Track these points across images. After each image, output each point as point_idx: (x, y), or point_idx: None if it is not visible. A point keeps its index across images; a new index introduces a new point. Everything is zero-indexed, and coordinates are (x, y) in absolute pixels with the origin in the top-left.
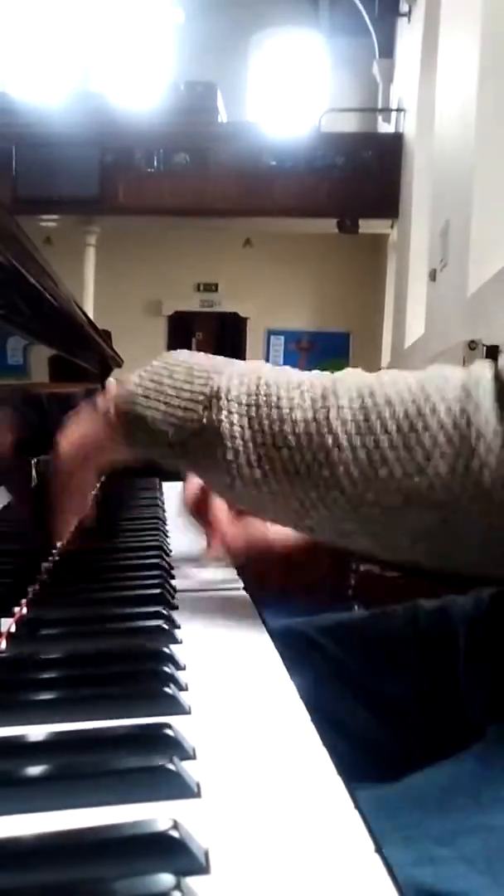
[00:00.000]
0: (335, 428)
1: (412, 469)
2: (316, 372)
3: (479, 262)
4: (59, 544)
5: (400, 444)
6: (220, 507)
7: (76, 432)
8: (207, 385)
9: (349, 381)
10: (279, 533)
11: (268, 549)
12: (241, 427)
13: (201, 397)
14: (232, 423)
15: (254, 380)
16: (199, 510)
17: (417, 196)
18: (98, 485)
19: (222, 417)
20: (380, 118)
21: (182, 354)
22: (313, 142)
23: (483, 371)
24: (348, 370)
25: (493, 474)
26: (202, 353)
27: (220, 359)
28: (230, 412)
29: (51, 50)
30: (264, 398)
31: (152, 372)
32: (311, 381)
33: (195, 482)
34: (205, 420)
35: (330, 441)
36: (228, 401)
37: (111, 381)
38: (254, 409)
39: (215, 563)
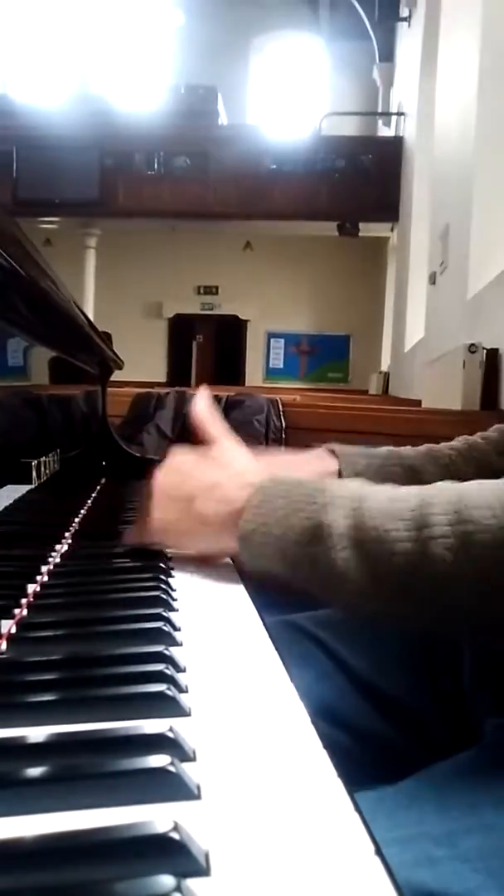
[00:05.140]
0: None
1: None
2: (410, 490)
3: (479, 266)
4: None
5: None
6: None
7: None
8: (311, 520)
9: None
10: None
11: None
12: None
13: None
14: (344, 559)
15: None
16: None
17: (417, 199)
18: (98, 488)
19: (333, 556)
20: (380, 122)
21: (282, 484)
22: (313, 145)
23: None
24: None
25: None
26: (296, 479)
27: (314, 484)
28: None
29: (51, 53)
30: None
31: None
32: (409, 508)
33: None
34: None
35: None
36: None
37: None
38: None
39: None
